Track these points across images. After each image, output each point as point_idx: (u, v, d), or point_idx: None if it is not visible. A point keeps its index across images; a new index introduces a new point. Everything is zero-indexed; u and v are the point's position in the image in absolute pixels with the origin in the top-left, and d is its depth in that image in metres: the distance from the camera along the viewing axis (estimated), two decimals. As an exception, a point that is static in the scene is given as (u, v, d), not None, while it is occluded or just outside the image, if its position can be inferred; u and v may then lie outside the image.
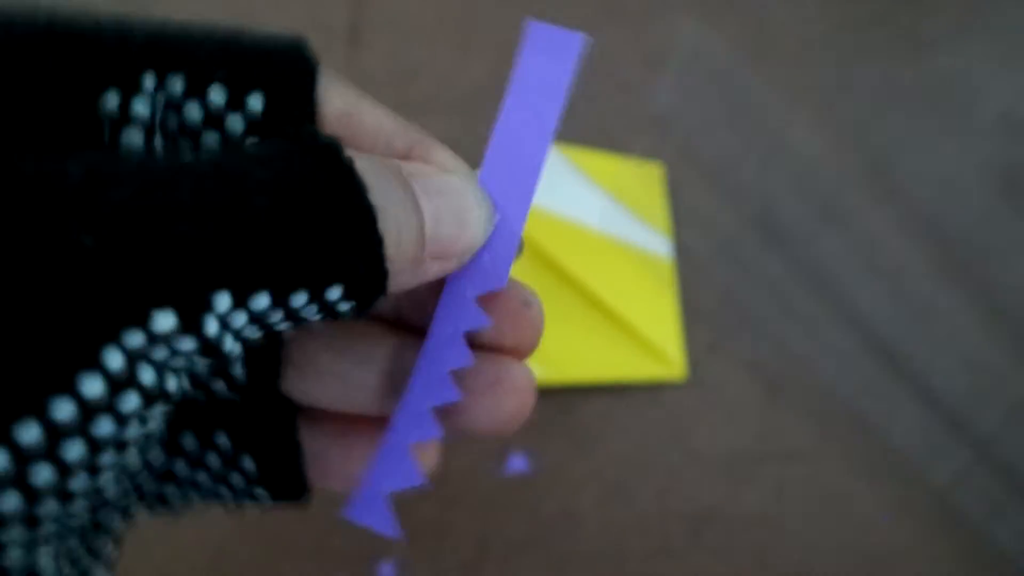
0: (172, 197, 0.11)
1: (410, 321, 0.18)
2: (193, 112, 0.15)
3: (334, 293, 0.13)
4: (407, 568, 0.35)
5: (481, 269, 0.16)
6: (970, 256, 0.40)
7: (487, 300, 0.16)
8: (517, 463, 0.36)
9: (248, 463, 0.17)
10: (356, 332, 0.17)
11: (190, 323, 0.11)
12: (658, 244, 0.39)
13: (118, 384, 0.11)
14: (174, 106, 0.15)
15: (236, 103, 0.15)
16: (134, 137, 0.14)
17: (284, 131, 0.15)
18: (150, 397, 0.11)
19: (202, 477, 0.17)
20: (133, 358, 0.11)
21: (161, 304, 0.11)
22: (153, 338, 0.11)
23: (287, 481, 0.17)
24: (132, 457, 0.12)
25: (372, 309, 0.14)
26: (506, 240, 0.16)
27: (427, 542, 0.36)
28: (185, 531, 0.36)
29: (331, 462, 0.17)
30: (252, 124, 0.15)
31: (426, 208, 0.14)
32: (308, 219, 0.12)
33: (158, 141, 0.15)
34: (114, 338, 0.11)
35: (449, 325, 0.16)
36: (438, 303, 0.16)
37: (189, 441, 0.17)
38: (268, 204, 0.12)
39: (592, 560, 0.36)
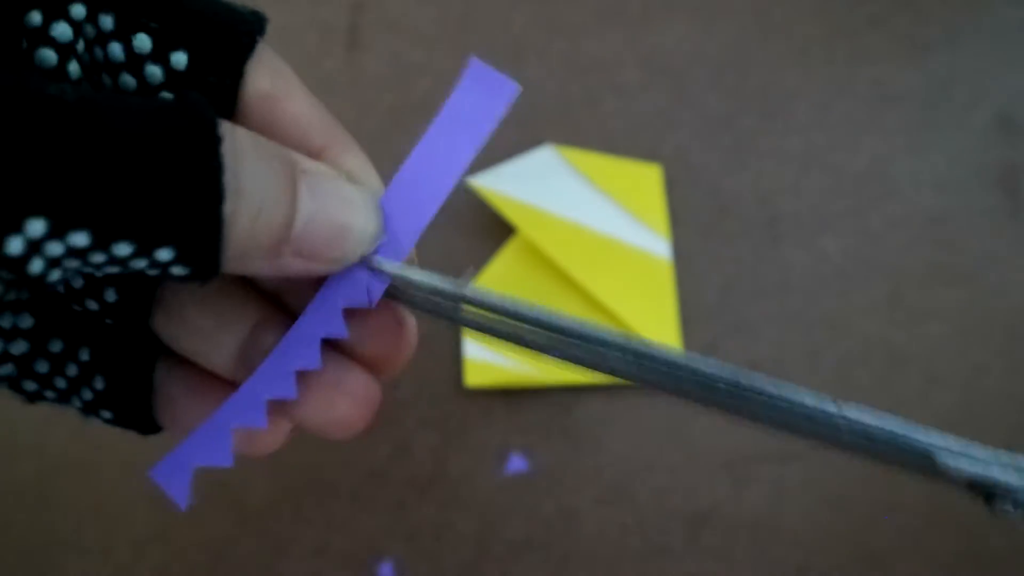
0: (14, 113, 0.11)
1: (285, 301, 0.18)
2: (116, 51, 0.15)
3: (164, 254, 0.13)
4: (407, 568, 0.35)
5: (356, 283, 0.16)
6: (968, 256, 0.40)
7: (356, 312, 0.17)
8: (517, 463, 0.37)
9: (99, 382, 0.17)
10: (228, 293, 0.18)
11: None
12: (657, 245, 0.39)
13: None
14: (101, 41, 0.15)
15: (159, 56, 0.15)
16: (48, 57, 0.15)
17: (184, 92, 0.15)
18: None
19: (59, 382, 0.17)
20: None
21: None
22: None
23: (131, 410, 0.18)
24: None
25: (211, 280, 0.14)
26: (398, 246, 0.17)
27: (427, 542, 0.36)
28: (185, 531, 0.36)
29: (179, 409, 0.18)
30: (174, 76, 0.15)
31: (304, 206, 0.14)
32: (149, 175, 0.12)
33: (73, 67, 0.15)
34: None
35: (311, 325, 0.16)
36: (309, 301, 0.17)
37: (56, 345, 0.17)
38: (112, 149, 0.12)
39: (591, 560, 0.36)
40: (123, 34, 0.15)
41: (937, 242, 0.40)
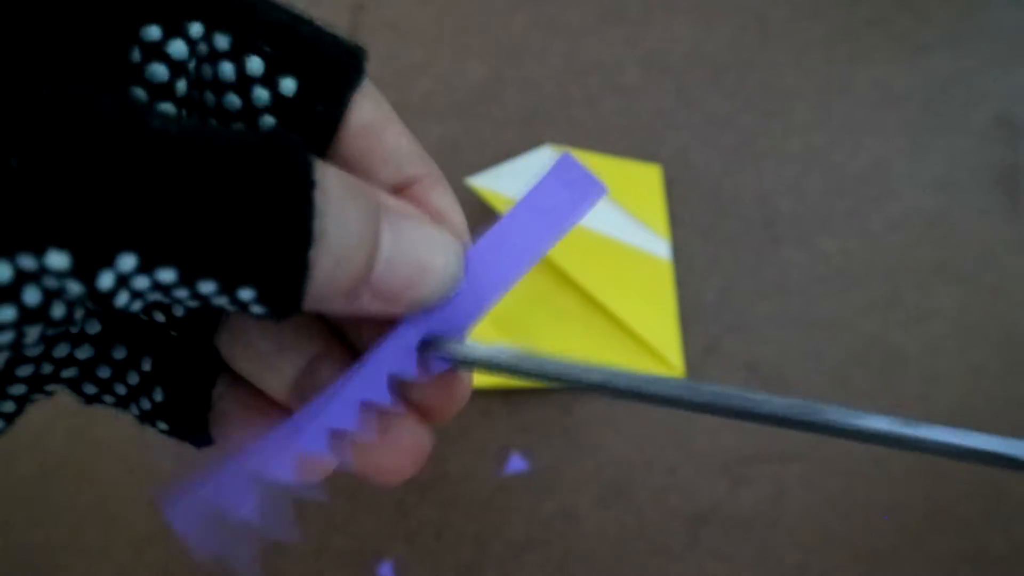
0: (115, 149, 0.11)
1: (347, 335, 0.18)
2: (227, 71, 0.15)
3: (246, 294, 0.13)
4: (406, 568, 0.35)
5: (432, 326, 0.16)
6: (968, 256, 0.40)
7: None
8: (516, 463, 0.37)
9: (158, 393, 0.18)
10: (292, 322, 0.18)
11: (84, 271, 0.11)
12: (656, 245, 0.39)
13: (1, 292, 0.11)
14: (213, 59, 0.15)
15: (269, 80, 0.15)
16: (159, 73, 0.15)
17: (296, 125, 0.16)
18: (28, 315, 0.12)
19: (119, 389, 0.18)
20: (22, 276, 0.11)
21: (58, 244, 0.11)
22: (45, 269, 0.11)
23: (188, 423, 0.18)
24: None
25: (284, 318, 0.14)
26: (464, 313, 0.16)
27: (427, 542, 0.36)
28: (185, 531, 0.36)
29: (232, 426, 0.18)
30: (281, 102, 0.16)
31: (385, 247, 0.14)
32: (241, 216, 0.12)
33: (181, 84, 0.15)
34: (7, 253, 0.11)
35: (382, 363, 0.16)
36: (374, 338, 0.16)
37: (119, 352, 0.17)
38: (208, 188, 0.12)
39: (591, 560, 0.36)
40: (236, 55, 0.15)
41: (937, 242, 0.40)
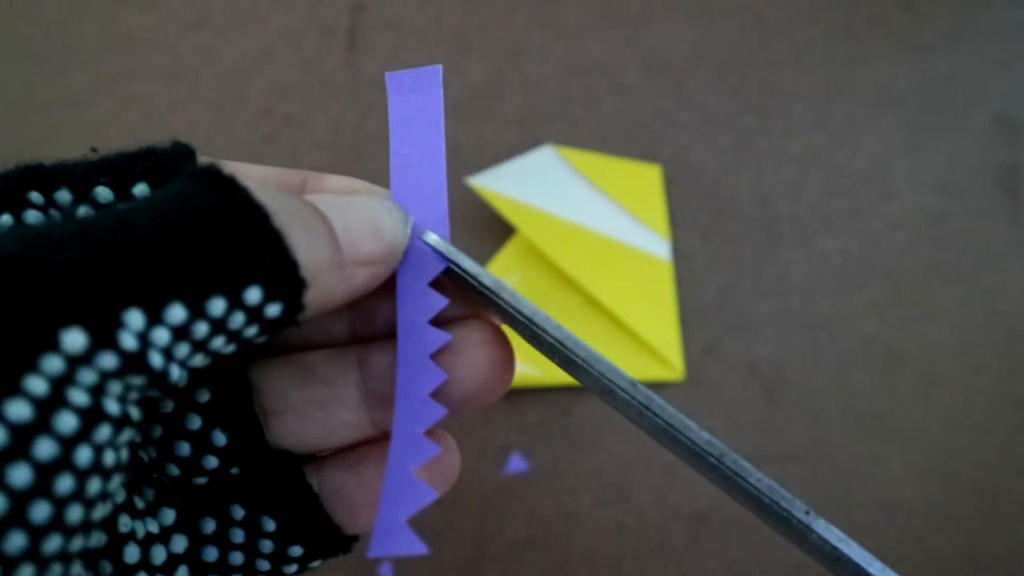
0: (60, 234, 0.12)
1: (365, 335, 0.18)
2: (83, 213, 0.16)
3: (254, 295, 0.13)
4: (406, 568, 0.35)
5: (421, 260, 0.17)
6: (968, 256, 0.40)
7: (438, 284, 0.17)
8: (516, 463, 0.37)
9: (269, 523, 0.17)
10: (315, 359, 0.18)
11: (102, 339, 0.12)
12: (656, 245, 0.39)
13: (47, 406, 0.11)
14: (68, 215, 0.16)
15: (124, 196, 0.16)
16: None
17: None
18: (88, 418, 0.12)
19: (235, 557, 0.17)
20: (57, 382, 0.11)
21: (66, 324, 0.11)
22: (72, 360, 0.11)
23: (314, 529, 0.17)
24: (98, 487, 0.12)
25: (305, 311, 0.14)
26: (436, 227, 0.17)
27: (426, 542, 0.36)
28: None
29: (351, 495, 0.18)
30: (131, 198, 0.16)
31: (334, 219, 0.15)
32: (194, 226, 0.13)
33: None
34: (32, 366, 0.11)
35: (413, 315, 0.17)
36: (397, 310, 0.17)
37: (209, 524, 0.17)
38: (151, 222, 0.12)
39: (591, 560, 0.36)
40: (82, 197, 0.16)
41: (937, 242, 0.40)
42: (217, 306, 0.13)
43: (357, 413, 0.18)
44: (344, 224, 0.15)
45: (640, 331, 0.37)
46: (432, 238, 0.17)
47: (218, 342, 0.13)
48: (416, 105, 0.18)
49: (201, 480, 0.17)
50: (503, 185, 0.38)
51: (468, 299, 0.18)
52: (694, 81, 0.43)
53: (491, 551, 0.36)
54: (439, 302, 0.17)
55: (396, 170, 0.18)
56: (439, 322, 0.17)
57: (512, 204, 0.38)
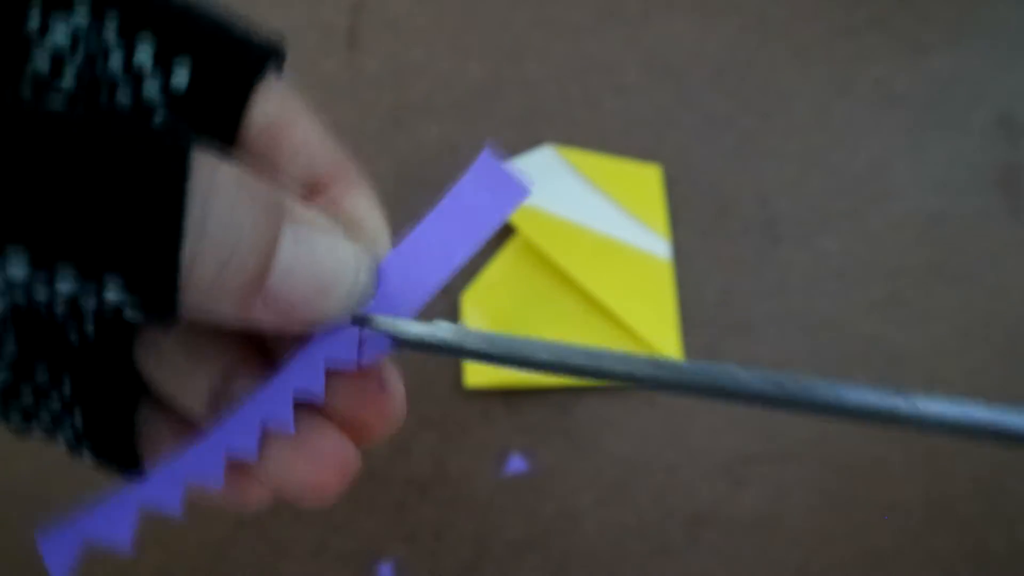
0: None
1: (267, 343, 0.17)
2: (114, 64, 0.14)
3: (112, 294, 0.12)
4: (406, 568, 0.35)
5: (343, 342, 0.15)
6: (968, 256, 0.40)
7: (337, 374, 0.15)
8: (516, 464, 0.37)
9: (78, 417, 0.16)
10: (208, 331, 0.16)
11: None
12: (656, 245, 0.39)
13: None
14: (103, 53, 0.14)
15: (159, 73, 0.14)
16: (40, 63, 0.14)
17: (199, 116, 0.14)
18: None
19: (43, 414, 0.17)
20: None
21: None
22: None
23: (111, 448, 0.17)
24: None
25: (167, 324, 0.13)
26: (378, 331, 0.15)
27: (427, 542, 0.36)
28: (185, 531, 0.36)
29: (161, 453, 0.17)
30: (174, 97, 0.14)
31: (284, 257, 0.13)
32: (100, 202, 0.11)
33: (68, 80, 0.14)
34: None
35: (286, 381, 0.15)
36: (290, 349, 0.15)
37: (40, 373, 0.16)
38: (64, 167, 0.11)
39: (591, 560, 0.36)
40: (125, 47, 0.14)
41: (937, 242, 0.40)
42: (65, 282, 0.11)
43: (200, 399, 0.16)
44: (292, 268, 0.13)
45: (640, 331, 0.37)
46: (383, 322, 0.15)
47: (57, 306, 0.13)
48: (483, 202, 0.16)
49: (70, 338, 0.16)
50: (503, 185, 0.38)
51: (357, 407, 0.16)
52: (694, 81, 0.43)
53: (491, 551, 0.36)
54: (316, 393, 0.15)
55: (414, 241, 0.16)
56: (309, 405, 0.16)
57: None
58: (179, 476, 0.16)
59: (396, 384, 0.16)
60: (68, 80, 0.14)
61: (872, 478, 0.37)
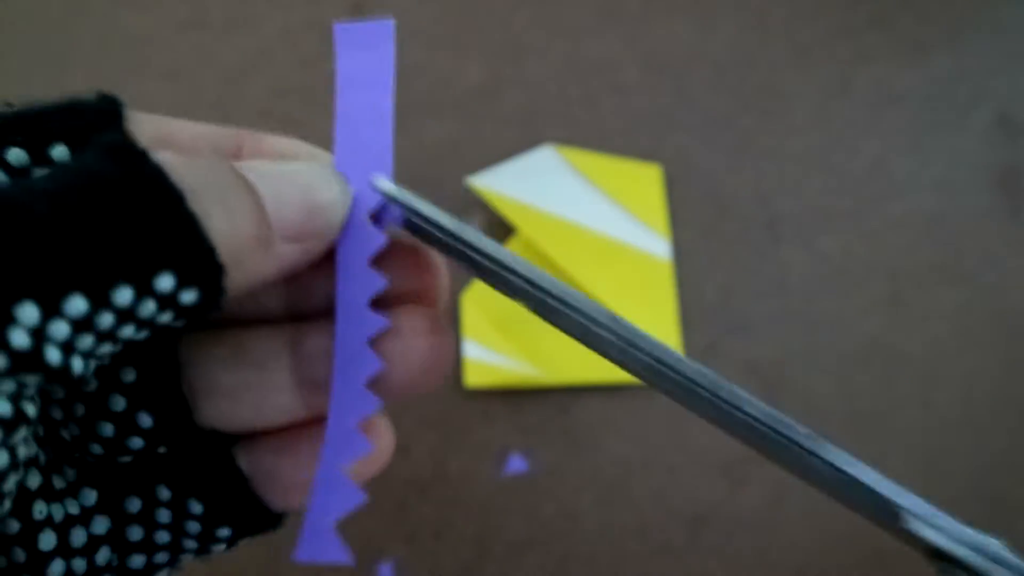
0: None
1: (304, 310, 0.18)
2: None
3: (165, 282, 0.12)
4: (406, 568, 0.35)
5: (362, 235, 0.16)
6: (968, 257, 0.40)
7: (378, 261, 0.16)
8: (516, 464, 0.37)
9: (195, 506, 0.16)
10: (247, 339, 0.17)
11: None
12: (656, 245, 0.39)
13: None
14: None
15: (40, 159, 0.15)
16: None
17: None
18: None
19: (160, 536, 0.16)
20: None
21: None
22: None
23: (243, 510, 0.17)
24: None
25: (225, 296, 0.13)
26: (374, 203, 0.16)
27: (427, 542, 0.36)
28: (185, 531, 0.36)
29: (285, 478, 0.17)
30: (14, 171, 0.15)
31: (263, 190, 0.14)
32: (97, 209, 0.12)
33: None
34: None
35: (351, 295, 0.16)
36: (336, 290, 0.16)
37: (134, 504, 0.16)
38: (47, 204, 0.11)
39: (591, 560, 0.36)
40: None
41: (937, 242, 0.40)
42: (123, 296, 0.12)
43: (290, 397, 0.17)
44: (275, 195, 0.14)
45: (640, 331, 0.37)
46: (385, 184, 0.16)
47: (127, 331, 0.12)
48: (367, 63, 0.17)
49: (126, 459, 0.16)
50: (503, 185, 0.38)
51: (410, 277, 0.17)
52: (694, 81, 0.43)
53: (491, 551, 0.36)
54: (379, 282, 0.16)
55: (341, 134, 0.17)
56: (378, 303, 0.16)
57: (512, 204, 0.38)
58: (334, 467, 0.16)
59: (429, 252, 0.17)
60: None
61: (872, 478, 0.37)
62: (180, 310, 0.13)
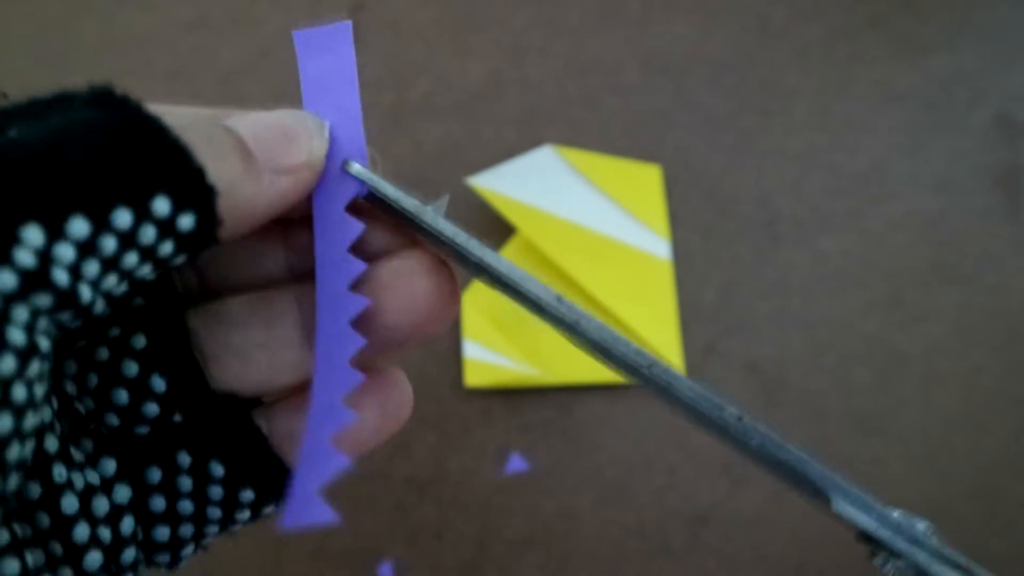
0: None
1: (306, 271, 0.18)
2: None
3: (162, 205, 0.13)
4: (406, 568, 0.35)
5: (340, 185, 0.16)
6: (968, 257, 0.40)
7: (358, 209, 0.17)
8: (516, 463, 0.37)
9: (217, 469, 0.16)
10: (254, 302, 0.17)
11: None
12: (656, 245, 0.39)
13: None
14: None
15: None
16: None
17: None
18: None
19: (185, 506, 0.16)
20: None
21: None
22: None
23: (265, 470, 0.17)
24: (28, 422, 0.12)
25: (225, 224, 0.14)
26: (354, 154, 0.17)
27: (427, 542, 0.36)
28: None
29: (302, 436, 0.17)
30: None
31: (240, 128, 0.15)
32: (89, 140, 0.12)
33: None
34: None
35: (331, 269, 0.16)
36: (314, 239, 0.16)
37: (155, 474, 0.16)
38: (43, 138, 0.12)
39: (591, 560, 0.36)
40: None
41: (937, 242, 0.40)
42: (123, 218, 0.13)
43: (300, 353, 0.17)
44: (254, 133, 0.15)
45: (640, 331, 0.37)
46: (355, 167, 0.17)
47: (131, 259, 0.13)
48: (329, 65, 0.17)
49: (142, 429, 0.16)
50: (503, 185, 0.38)
51: (398, 227, 0.17)
52: (694, 81, 0.43)
53: (491, 551, 0.36)
54: (356, 228, 0.16)
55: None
56: (371, 254, 0.17)
57: (512, 204, 0.38)
58: (323, 430, 0.16)
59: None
60: None
61: (872, 478, 0.37)
62: (180, 239, 0.13)
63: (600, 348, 0.16)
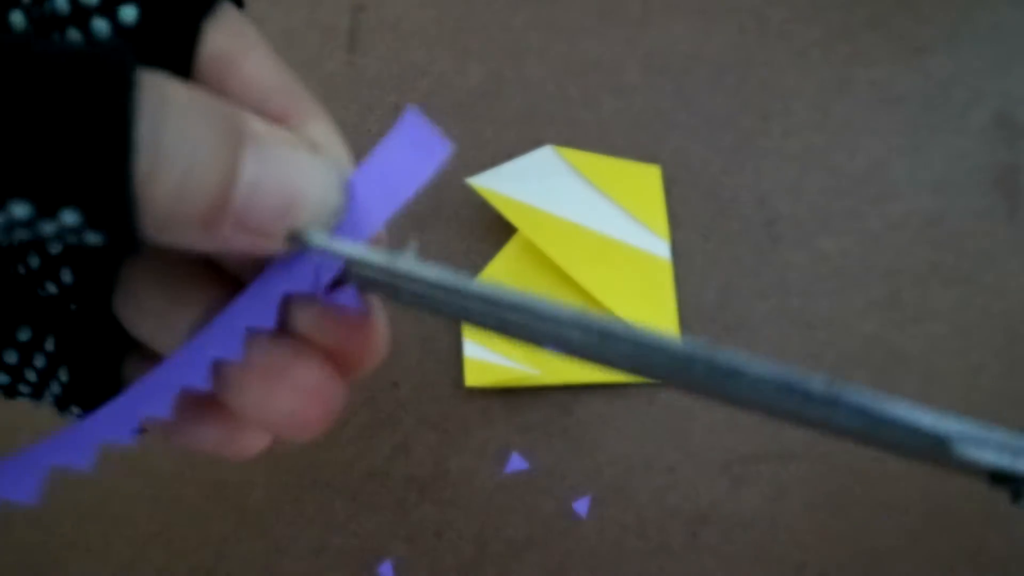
0: None
1: (246, 280, 0.17)
2: (61, 3, 0.14)
3: (70, 217, 0.11)
4: (406, 568, 0.35)
5: (301, 268, 0.15)
6: (967, 257, 0.40)
7: (313, 304, 0.15)
8: (517, 463, 0.37)
9: (63, 374, 0.16)
10: (185, 272, 0.16)
11: None
12: (656, 245, 0.39)
13: None
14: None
15: (107, 9, 0.14)
16: None
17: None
18: None
19: (30, 375, 0.16)
20: None
21: None
22: None
23: (99, 402, 0.16)
24: None
25: (137, 252, 0.12)
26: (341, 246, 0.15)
27: (427, 542, 0.36)
28: (185, 531, 0.36)
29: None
30: (123, 33, 0.14)
31: (248, 171, 0.13)
32: (43, 124, 0.11)
33: (17, 17, 0.14)
34: None
35: (241, 311, 0.15)
36: (246, 288, 0.15)
37: (23, 334, 0.16)
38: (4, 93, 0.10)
39: (591, 560, 0.36)
40: None
41: (936, 243, 0.40)
42: (21, 210, 0.11)
43: (181, 343, 0.16)
44: (258, 182, 0.13)
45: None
46: (319, 237, 0.14)
47: (20, 234, 0.12)
48: (407, 159, 0.16)
49: (39, 294, 0.16)
50: (503, 185, 0.38)
51: (337, 335, 0.16)
52: (694, 81, 0.43)
53: (491, 551, 0.36)
54: (268, 321, 0.15)
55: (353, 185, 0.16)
56: (290, 326, 0.15)
57: (512, 204, 0.38)
58: (131, 409, 0.15)
59: (377, 314, 0.16)
60: (18, 20, 0.14)
61: (872, 478, 0.37)
62: (83, 244, 0.12)
63: (641, 360, 0.13)
